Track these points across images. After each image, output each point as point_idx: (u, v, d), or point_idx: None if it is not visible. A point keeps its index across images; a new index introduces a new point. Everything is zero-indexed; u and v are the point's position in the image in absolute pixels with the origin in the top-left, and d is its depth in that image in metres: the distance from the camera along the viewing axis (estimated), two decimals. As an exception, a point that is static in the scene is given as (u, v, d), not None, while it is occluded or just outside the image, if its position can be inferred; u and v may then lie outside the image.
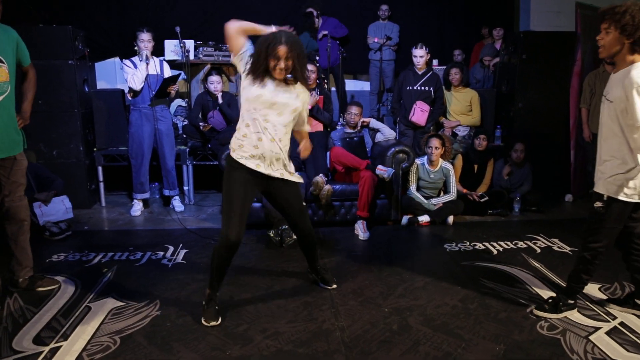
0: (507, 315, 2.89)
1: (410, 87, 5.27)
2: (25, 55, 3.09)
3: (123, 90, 5.13)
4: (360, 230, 4.28)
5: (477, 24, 7.15)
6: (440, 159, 4.77)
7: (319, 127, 4.88)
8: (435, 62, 6.71)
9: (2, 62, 2.87)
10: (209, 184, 5.83)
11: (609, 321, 2.83)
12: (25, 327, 2.73)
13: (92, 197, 5.21)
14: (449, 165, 4.79)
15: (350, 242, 4.18)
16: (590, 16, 5.65)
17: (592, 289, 3.21)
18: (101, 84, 6.39)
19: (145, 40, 4.59)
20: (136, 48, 4.65)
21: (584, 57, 5.48)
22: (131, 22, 6.33)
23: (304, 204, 3.11)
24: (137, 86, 4.61)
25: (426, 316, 2.88)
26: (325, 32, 6.38)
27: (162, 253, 3.86)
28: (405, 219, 4.62)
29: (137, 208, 4.96)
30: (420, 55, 5.17)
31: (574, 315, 2.88)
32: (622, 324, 2.80)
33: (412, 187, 4.77)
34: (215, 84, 5.04)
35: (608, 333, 2.70)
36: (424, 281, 3.38)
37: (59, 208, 4.33)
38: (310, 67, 4.80)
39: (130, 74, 4.58)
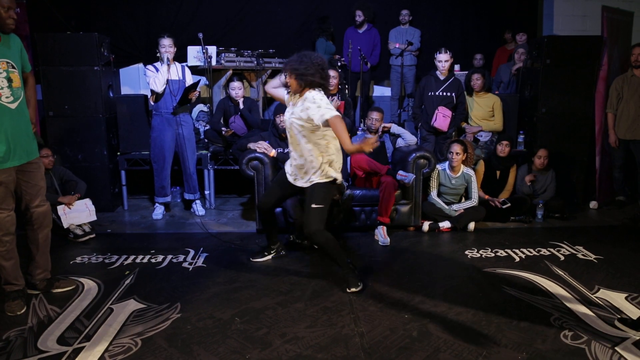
0: (529, 323, 2.85)
1: (432, 93, 5.23)
2: (27, 62, 3.13)
3: (146, 96, 5.21)
4: (380, 236, 4.26)
5: (500, 29, 7.08)
6: (462, 165, 4.72)
7: (340, 132, 4.86)
8: (457, 67, 6.65)
9: (14, 68, 2.91)
10: (230, 189, 5.88)
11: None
12: (49, 327, 2.79)
13: (115, 201, 5.30)
14: (470, 171, 4.74)
15: (370, 248, 4.16)
16: (617, 20, 5.56)
17: (619, 298, 3.14)
18: (125, 90, 6.52)
19: (166, 45, 4.66)
20: (158, 54, 4.73)
21: (610, 62, 5.39)
22: (155, 29, 6.44)
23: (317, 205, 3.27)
24: (159, 88, 4.67)
25: (446, 323, 2.85)
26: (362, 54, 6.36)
27: (183, 256, 3.90)
28: (426, 225, 4.58)
29: (159, 211, 5.03)
30: (444, 59, 5.12)
31: (599, 323, 2.82)
32: (650, 334, 2.72)
33: (433, 193, 4.73)
34: (237, 89, 5.08)
35: (636, 344, 2.63)
36: (444, 288, 3.35)
37: (82, 210, 4.40)
38: (331, 72, 4.79)
39: (152, 77, 4.65)
